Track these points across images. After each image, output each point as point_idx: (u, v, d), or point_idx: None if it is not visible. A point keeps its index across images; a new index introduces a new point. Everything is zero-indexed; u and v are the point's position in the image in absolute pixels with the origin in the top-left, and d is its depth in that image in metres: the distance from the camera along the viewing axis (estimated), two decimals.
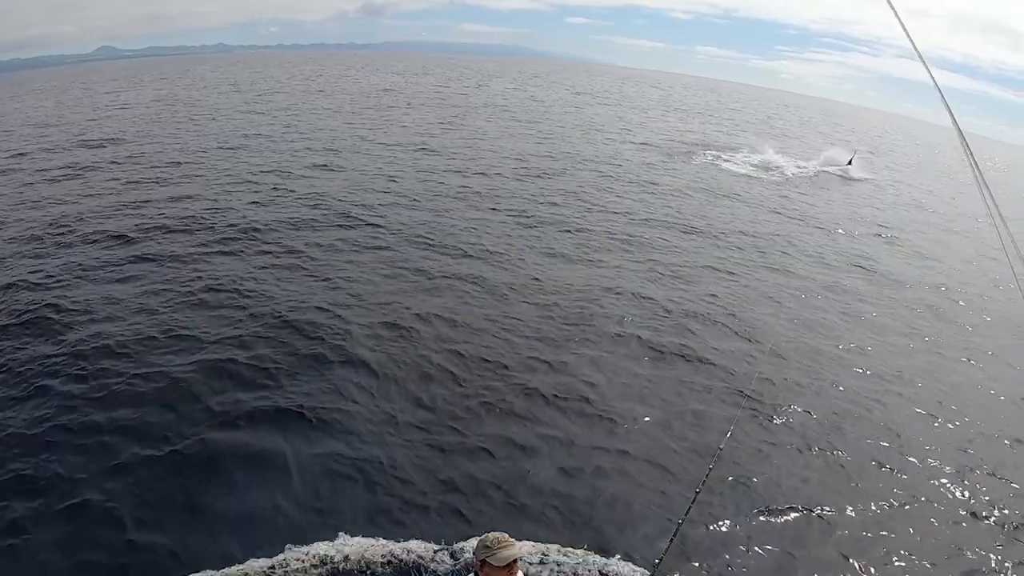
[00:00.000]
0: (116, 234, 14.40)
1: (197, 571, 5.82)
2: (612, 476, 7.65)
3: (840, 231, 20.93)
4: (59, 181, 19.71)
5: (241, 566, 5.89)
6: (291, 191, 18.88)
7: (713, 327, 11.98)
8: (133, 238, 14.18)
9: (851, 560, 6.72)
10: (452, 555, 6.21)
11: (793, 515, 7.29)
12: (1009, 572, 6.75)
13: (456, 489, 7.23)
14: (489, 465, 7.66)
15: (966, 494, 7.98)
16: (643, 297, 12.88)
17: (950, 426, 9.65)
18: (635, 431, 8.56)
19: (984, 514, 7.63)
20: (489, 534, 3.72)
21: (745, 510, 7.27)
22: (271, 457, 7.38)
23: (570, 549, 6.41)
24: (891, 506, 7.62)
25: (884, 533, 7.14)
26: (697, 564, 6.48)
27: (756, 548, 6.75)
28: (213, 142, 26.94)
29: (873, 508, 7.54)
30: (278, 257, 13.46)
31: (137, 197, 17.72)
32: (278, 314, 10.73)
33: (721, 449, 5.19)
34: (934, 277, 17.49)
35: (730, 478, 7.74)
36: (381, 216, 16.75)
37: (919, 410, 10.00)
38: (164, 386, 8.52)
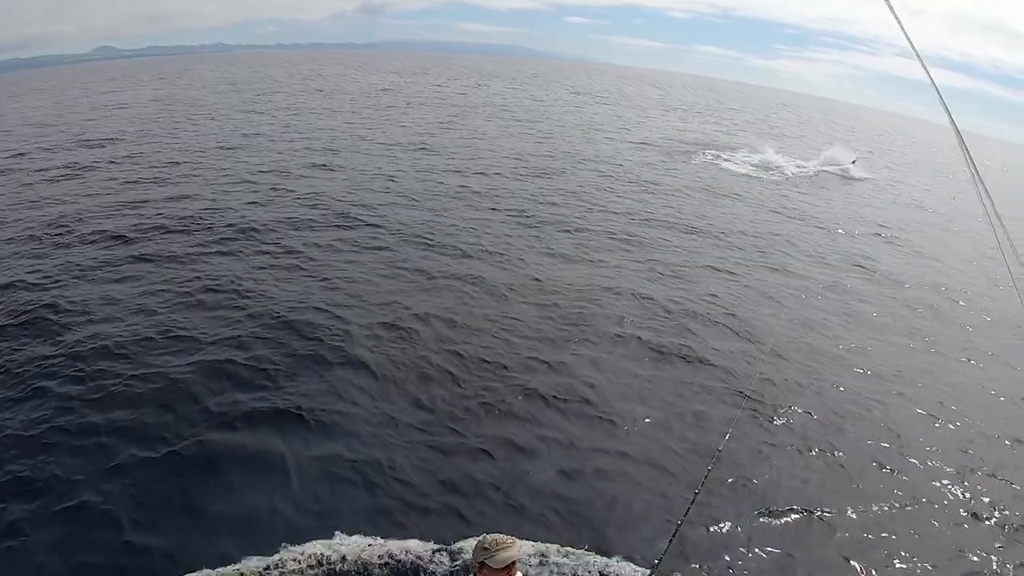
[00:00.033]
0: (114, 234, 14.36)
1: (193, 571, 5.80)
2: (612, 477, 7.63)
3: (840, 231, 20.91)
4: (57, 181, 19.66)
5: (237, 565, 5.88)
6: (290, 191, 18.85)
7: (713, 327, 11.96)
8: (131, 238, 14.15)
9: (852, 561, 6.71)
10: (450, 555, 6.19)
11: (793, 516, 7.28)
12: (1010, 574, 6.73)
13: (456, 490, 7.21)
14: (488, 466, 7.64)
15: (967, 495, 7.97)
16: (643, 297, 12.86)
17: (950, 426, 9.64)
18: (635, 432, 8.53)
19: (985, 515, 7.61)
20: (487, 535, 3.69)
21: (745, 511, 7.25)
22: (269, 458, 7.36)
23: (570, 549, 6.40)
24: (892, 507, 7.61)
25: (885, 534, 7.12)
26: (697, 565, 6.47)
27: (756, 549, 6.74)
28: (212, 142, 26.89)
29: (873, 509, 7.52)
30: (277, 257, 13.43)
31: (135, 197, 17.68)
32: (277, 314, 10.70)
33: (720, 450, 5.16)
34: (934, 277, 17.48)
35: (730, 479, 7.72)
36: (380, 216, 16.72)
37: (919, 410, 9.99)
38: (162, 387, 8.49)
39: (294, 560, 5.94)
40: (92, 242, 13.93)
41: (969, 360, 12.18)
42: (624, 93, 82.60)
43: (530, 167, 24.94)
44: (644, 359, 10.51)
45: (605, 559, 6.29)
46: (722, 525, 6.99)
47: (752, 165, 31.46)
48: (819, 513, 7.34)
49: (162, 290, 11.50)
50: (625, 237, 16.92)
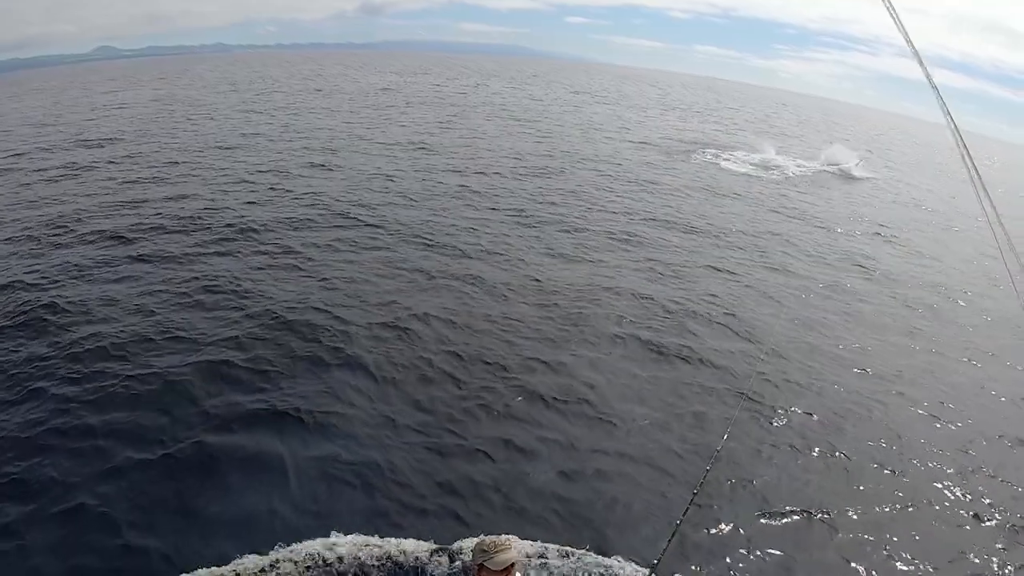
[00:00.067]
0: (113, 234, 14.33)
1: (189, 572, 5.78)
2: (612, 478, 7.60)
3: (840, 230, 20.89)
4: (56, 181, 19.62)
5: (233, 565, 5.85)
6: (288, 191, 18.82)
7: (713, 327, 11.93)
8: (130, 238, 14.11)
9: (852, 563, 6.68)
10: (449, 556, 6.15)
11: (793, 516, 7.25)
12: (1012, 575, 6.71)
13: (454, 491, 7.18)
14: (488, 467, 7.61)
15: (967, 496, 7.93)
16: (643, 297, 12.83)
17: (951, 426, 9.61)
18: (635, 432, 8.50)
19: (986, 516, 7.57)
20: (486, 537, 3.69)
21: (745, 511, 7.23)
22: (267, 459, 7.32)
23: (569, 548, 6.37)
24: (892, 508, 7.58)
25: (885, 535, 7.08)
26: (697, 566, 6.44)
27: (756, 549, 6.71)
28: (211, 141, 26.87)
29: (874, 510, 7.49)
30: (275, 257, 13.40)
31: (134, 197, 17.65)
32: (275, 315, 10.66)
33: (719, 450, 5.18)
34: (934, 276, 17.46)
35: (731, 479, 7.70)
36: (379, 216, 16.69)
37: (920, 410, 9.96)
38: (159, 388, 8.45)
39: (290, 561, 5.91)
40: (90, 242, 13.90)
41: (969, 360, 12.16)
42: (624, 93, 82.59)
43: (529, 166, 24.92)
44: (644, 359, 10.48)
45: (605, 559, 6.26)
46: (722, 526, 6.97)
47: (752, 165, 31.45)
48: (819, 514, 7.31)
49: (160, 290, 11.47)
50: (625, 237, 16.89)
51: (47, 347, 9.42)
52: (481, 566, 3.54)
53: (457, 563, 6.08)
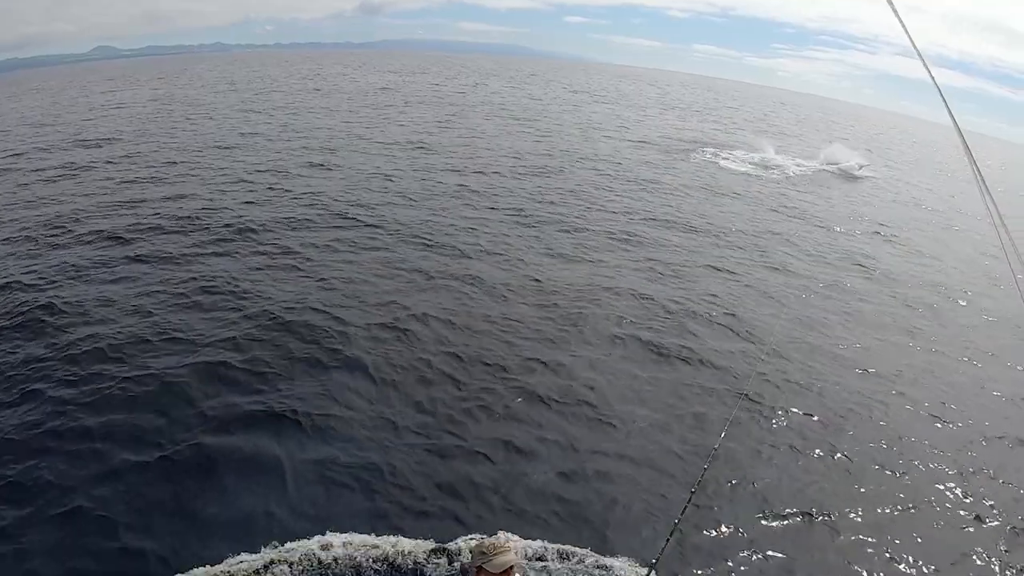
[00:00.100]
0: (111, 234, 14.28)
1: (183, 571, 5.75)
2: (612, 478, 7.57)
3: (840, 230, 20.86)
4: (54, 181, 19.57)
5: (225, 564, 5.81)
6: (287, 190, 18.77)
7: (713, 327, 11.90)
8: (128, 238, 14.06)
9: (853, 564, 6.65)
10: (448, 557, 6.12)
11: (794, 517, 7.22)
12: None
13: (455, 493, 7.14)
14: (487, 468, 7.57)
15: (969, 497, 7.90)
16: (643, 297, 12.79)
17: (951, 427, 9.58)
18: (635, 433, 8.47)
19: (988, 517, 7.54)
20: (486, 539, 3.69)
21: (746, 512, 7.20)
22: (265, 461, 7.28)
23: (569, 548, 6.34)
24: (893, 509, 7.54)
25: (886, 537, 7.05)
26: (698, 568, 6.41)
27: (757, 551, 6.69)
28: (209, 141, 26.82)
29: (875, 511, 7.46)
30: (274, 257, 13.34)
31: (132, 197, 17.60)
32: (273, 315, 10.61)
33: (716, 448, 5.18)
34: (934, 276, 17.44)
35: (731, 480, 7.67)
36: (378, 216, 16.64)
37: (920, 410, 9.93)
38: (157, 390, 8.40)
39: (284, 561, 5.87)
40: (88, 242, 13.85)
41: (969, 360, 12.13)
42: (622, 92, 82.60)
43: (528, 166, 24.89)
44: (644, 360, 10.45)
45: (604, 559, 6.23)
46: (723, 527, 6.94)
47: (751, 164, 31.44)
48: (819, 514, 7.28)
49: (158, 291, 11.42)
50: (624, 236, 16.86)
51: (44, 348, 9.37)
52: (480, 568, 3.54)
53: (455, 564, 6.04)
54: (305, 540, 6.14)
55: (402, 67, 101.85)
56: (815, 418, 9.26)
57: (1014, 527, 7.40)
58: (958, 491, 7.99)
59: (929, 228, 24.13)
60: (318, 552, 5.99)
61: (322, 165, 22.58)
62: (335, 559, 5.96)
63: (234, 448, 7.42)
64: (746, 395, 9.16)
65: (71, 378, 8.59)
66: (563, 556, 6.26)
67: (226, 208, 16.59)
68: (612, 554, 6.33)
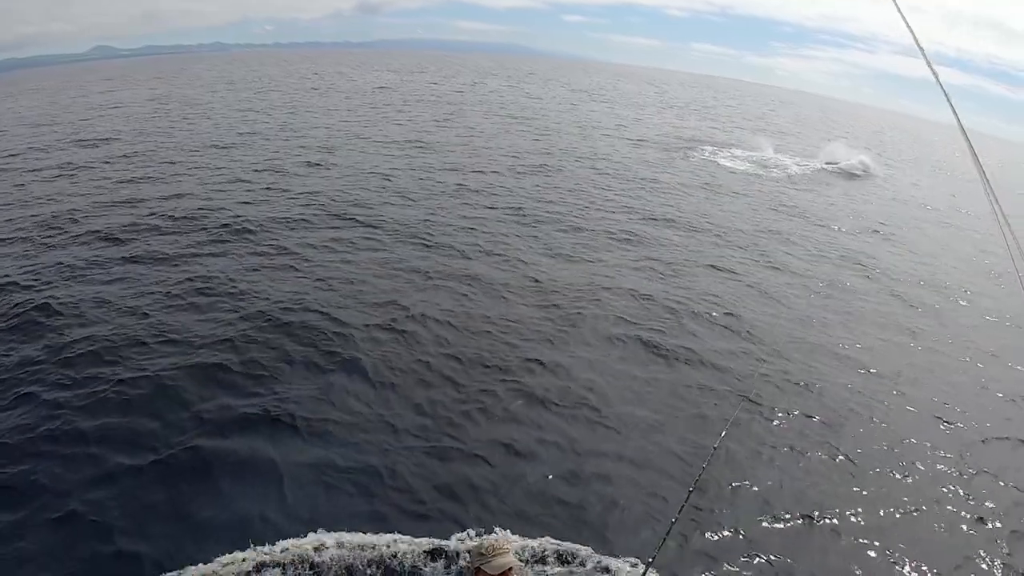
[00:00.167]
0: (107, 234, 14.21)
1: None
2: (612, 480, 7.52)
3: (841, 228, 20.81)
4: (51, 181, 19.50)
5: (216, 564, 5.76)
6: (285, 190, 18.70)
7: (714, 327, 11.85)
8: (124, 238, 13.99)
9: (854, 567, 6.60)
10: (446, 558, 6.07)
11: (794, 519, 7.17)
12: None
13: (453, 495, 7.09)
14: (486, 470, 7.52)
15: (971, 498, 7.84)
16: (643, 297, 12.74)
17: (953, 427, 9.53)
18: (635, 434, 8.42)
19: (990, 519, 7.48)
20: (484, 540, 3.68)
21: (746, 514, 7.15)
22: (261, 464, 7.22)
23: (568, 544, 6.31)
24: (894, 510, 7.49)
25: (888, 539, 7.00)
26: (698, 570, 6.36)
27: (757, 552, 6.65)
28: (207, 140, 26.74)
29: (877, 512, 7.41)
30: (271, 258, 13.27)
31: (129, 196, 17.52)
32: (270, 316, 10.55)
33: (716, 448, 5.15)
34: (934, 275, 17.40)
35: (732, 481, 7.63)
36: (376, 215, 16.57)
37: (922, 411, 9.88)
38: (152, 392, 8.33)
39: (278, 564, 5.81)
40: (84, 243, 13.78)
41: (971, 359, 12.08)
42: (621, 91, 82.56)
43: (527, 165, 24.84)
44: (644, 360, 10.39)
45: (604, 560, 6.19)
46: (722, 529, 6.89)
47: (751, 162, 31.41)
48: (820, 516, 7.23)
49: (154, 291, 11.35)
50: (624, 236, 16.80)
51: (39, 350, 9.30)
52: (478, 569, 3.52)
53: (454, 566, 6.00)
54: (298, 539, 6.08)
55: (400, 66, 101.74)
56: (816, 419, 9.21)
57: (1016, 530, 7.34)
58: (960, 492, 7.94)
59: (929, 227, 24.10)
60: (311, 552, 5.92)
61: (320, 164, 22.50)
62: (331, 558, 5.90)
63: (230, 451, 7.36)
64: (747, 396, 9.10)
65: (66, 381, 8.52)
66: (562, 557, 6.21)
67: (223, 208, 16.52)
68: (612, 555, 6.28)
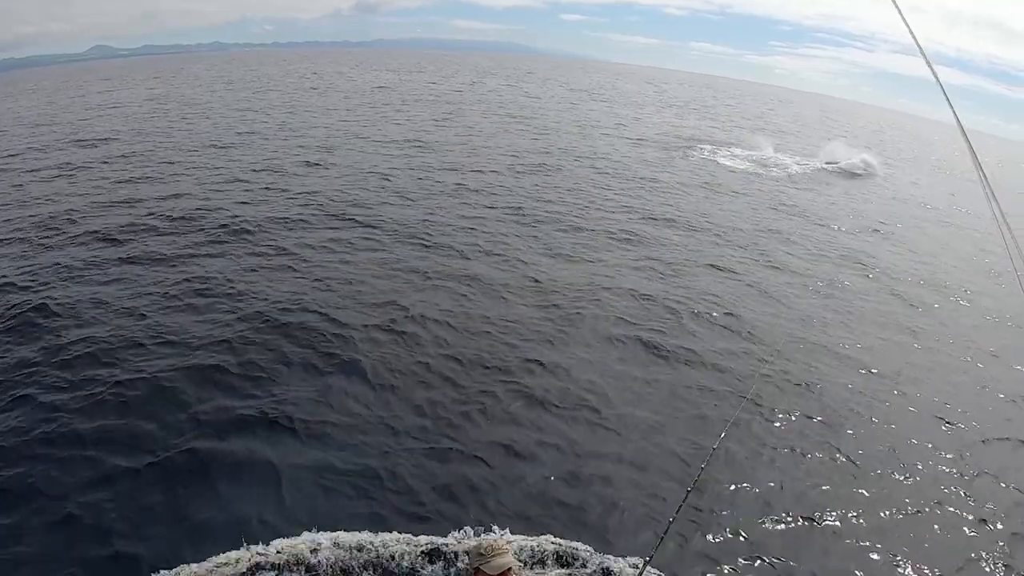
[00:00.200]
0: (105, 235, 14.15)
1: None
2: (612, 481, 7.49)
3: (841, 227, 20.80)
4: (49, 181, 19.43)
5: (210, 563, 5.72)
6: (284, 190, 18.65)
7: (714, 327, 11.82)
8: (122, 239, 13.94)
9: (855, 569, 6.56)
10: (445, 559, 6.03)
11: (794, 520, 7.13)
12: None
13: (452, 497, 7.05)
14: (486, 471, 7.48)
15: (972, 500, 7.80)
16: (643, 297, 12.70)
17: (954, 428, 9.50)
18: (635, 435, 8.38)
19: (991, 521, 7.44)
20: (484, 540, 3.68)
21: (747, 515, 7.11)
22: (259, 466, 7.17)
23: (568, 542, 6.29)
24: (895, 511, 7.45)
25: (889, 540, 6.97)
26: (698, 571, 6.33)
27: (757, 554, 6.61)
28: (206, 140, 26.69)
29: (877, 513, 7.37)
30: (269, 258, 13.22)
31: (128, 196, 17.46)
32: (269, 317, 10.50)
33: (715, 448, 5.15)
34: (935, 274, 17.38)
35: (732, 482, 7.59)
36: (375, 215, 16.53)
37: (923, 411, 9.85)
38: (149, 394, 8.27)
39: (271, 565, 5.77)
40: (82, 243, 13.73)
41: (971, 359, 12.05)
42: (620, 90, 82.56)
43: (526, 164, 24.81)
44: (644, 361, 10.36)
45: (604, 558, 6.15)
46: (722, 529, 6.86)
47: (750, 161, 31.42)
48: (820, 517, 7.19)
49: (152, 292, 11.29)
50: (624, 235, 16.77)
51: (36, 352, 9.24)
52: (477, 569, 3.55)
53: (453, 568, 5.96)
54: (292, 539, 6.04)
55: (399, 66, 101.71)
56: (816, 419, 9.17)
57: (1017, 532, 7.30)
58: (961, 494, 7.90)
59: (929, 226, 24.10)
60: (307, 556, 5.88)
61: (319, 164, 22.45)
62: (327, 559, 5.86)
63: (228, 453, 7.31)
64: (748, 397, 9.06)
65: (63, 383, 8.45)
66: (562, 557, 6.17)
67: (221, 208, 16.47)
68: (612, 555, 6.24)
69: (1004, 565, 6.74)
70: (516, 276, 13.20)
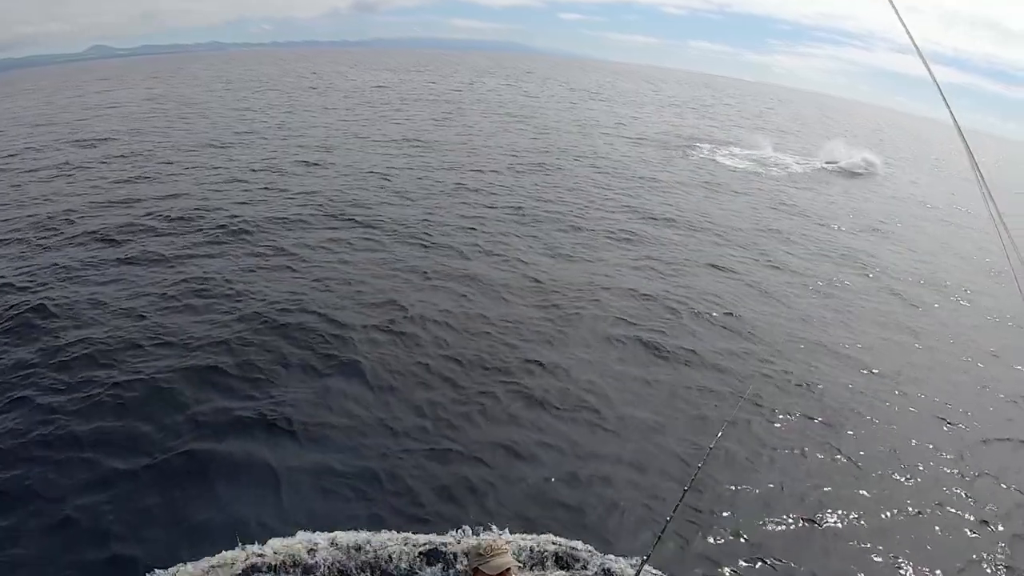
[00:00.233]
0: (103, 235, 14.11)
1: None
2: (612, 481, 7.48)
3: (840, 227, 20.79)
4: (48, 181, 19.36)
5: (204, 562, 5.71)
6: (283, 189, 18.61)
7: (714, 327, 11.80)
8: (120, 239, 13.89)
9: (855, 569, 6.55)
10: (444, 560, 6.01)
11: (794, 521, 7.11)
12: None
13: (451, 498, 7.03)
14: (485, 472, 7.46)
15: (973, 500, 7.79)
16: (643, 296, 12.68)
17: (954, 428, 9.49)
18: (635, 435, 8.36)
19: (992, 522, 7.43)
20: (483, 541, 3.67)
21: (746, 516, 7.10)
22: (258, 467, 7.14)
23: (567, 541, 6.29)
24: (896, 512, 7.44)
25: (889, 541, 6.95)
26: (697, 571, 6.31)
27: (757, 555, 6.60)
28: (204, 140, 26.61)
29: (877, 514, 7.36)
30: (268, 258, 13.18)
31: (126, 196, 17.41)
32: (267, 318, 10.46)
33: (712, 447, 5.16)
34: (935, 273, 17.37)
35: (732, 483, 7.57)
36: (374, 215, 16.50)
37: (923, 411, 9.84)
38: (148, 395, 8.24)
39: (268, 566, 5.75)
40: (81, 244, 13.68)
41: (971, 359, 12.04)
42: (619, 89, 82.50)
43: (526, 163, 24.77)
44: (644, 360, 10.34)
45: (604, 558, 6.14)
46: (722, 530, 6.85)
47: (750, 161, 31.41)
48: (821, 517, 7.18)
49: (150, 293, 11.25)
50: (623, 235, 16.74)
51: (34, 353, 9.20)
52: (476, 570, 3.53)
53: (452, 568, 5.94)
54: (289, 539, 6.02)
55: (397, 65, 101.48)
56: (816, 419, 9.16)
57: (1018, 532, 7.29)
58: (961, 494, 7.89)
59: (929, 225, 24.10)
60: (304, 556, 5.85)
61: (318, 164, 22.40)
62: (324, 559, 5.83)
63: (226, 454, 7.28)
64: (747, 397, 9.04)
65: (60, 384, 8.42)
66: (562, 557, 6.15)
67: (220, 208, 16.42)
68: (612, 555, 6.22)
69: (1005, 567, 6.73)
70: (516, 276, 13.17)
